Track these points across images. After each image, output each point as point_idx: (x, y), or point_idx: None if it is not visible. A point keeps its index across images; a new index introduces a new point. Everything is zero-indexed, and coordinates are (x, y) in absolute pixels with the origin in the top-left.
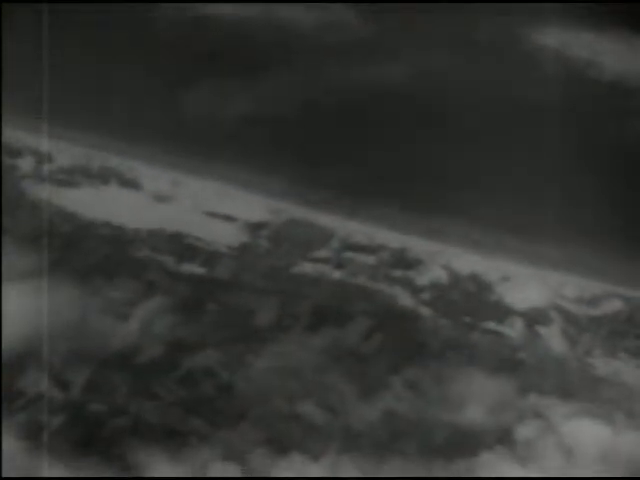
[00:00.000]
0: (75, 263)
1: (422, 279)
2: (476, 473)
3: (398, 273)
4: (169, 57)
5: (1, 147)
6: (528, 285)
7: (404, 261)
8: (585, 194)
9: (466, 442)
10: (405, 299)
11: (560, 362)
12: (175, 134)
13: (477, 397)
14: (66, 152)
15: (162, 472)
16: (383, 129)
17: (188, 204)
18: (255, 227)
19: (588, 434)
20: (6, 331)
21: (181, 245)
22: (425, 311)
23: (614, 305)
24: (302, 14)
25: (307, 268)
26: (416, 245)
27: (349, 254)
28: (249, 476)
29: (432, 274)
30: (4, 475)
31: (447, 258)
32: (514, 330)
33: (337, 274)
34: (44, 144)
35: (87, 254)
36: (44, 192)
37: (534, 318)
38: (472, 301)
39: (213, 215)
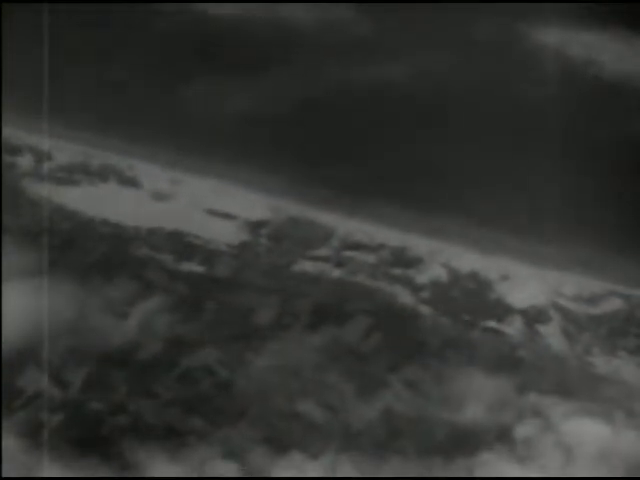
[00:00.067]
0: (74, 261)
1: (422, 278)
2: (475, 472)
3: (398, 272)
4: (169, 56)
5: (1, 145)
6: (528, 284)
7: (404, 260)
8: (584, 193)
9: (465, 441)
10: (405, 297)
11: (560, 360)
12: (175, 132)
13: (477, 396)
14: (66, 150)
15: (161, 470)
16: (383, 128)
17: (187, 202)
18: (255, 225)
19: (588, 433)
20: (6, 329)
21: (180, 243)
22: (425, 309)
23: (614, 304)
24: (302, 13)
25: (307, 266)
26: (416, 244)
27: (349, 253)
28: (249, 475)
29: (432, 273)
30: (4, 475)
31: (447, 257)
32: (514, 328)
33: (337, 272)
34: (44, 142)
35: (86, 252)
36: (44, 190)
37: (534, 316)
38: (472, 300)
39: (213, 213)
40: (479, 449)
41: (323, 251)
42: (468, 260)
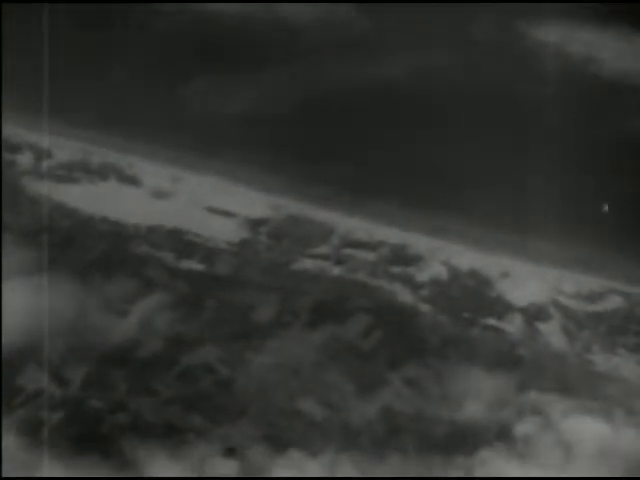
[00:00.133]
0: (74, 259)
1: (422, 275)
2: (475, 470)
3: (398, 269)
4: (169, 54)
5: (1, 143)
6: (528, 281)
7: (404, 257)
8: (584, 191)
9: (465, 439)
10: (405, 295)
11: (559, 358)
12: (175, 130)
13: (476, 393)
14: (65, 148)
15: (161, 468)
16: (383, 126)
17: (188, 200)
18: (255, 223)
19: (587, 430)
20: (6, 327)
21: (180, 241)
22: (425, 307)
23: (613, 301)
24: (303, 12)
25: (307, 264)
26: (416, 242)
27: (349, 250)
28: (248, 475)
29: (432, 270)
30: (4, 475)
31: (447, 255)
32: (514, 326)
33: (337, 270)
34: (44, 140)
35: (86, 250)
36: (44, 188)
37: (533, 314)
38: (472, 297)
39: (213, 211)
40: (479, 447)
41: (323, 249)
42: (468, 258)
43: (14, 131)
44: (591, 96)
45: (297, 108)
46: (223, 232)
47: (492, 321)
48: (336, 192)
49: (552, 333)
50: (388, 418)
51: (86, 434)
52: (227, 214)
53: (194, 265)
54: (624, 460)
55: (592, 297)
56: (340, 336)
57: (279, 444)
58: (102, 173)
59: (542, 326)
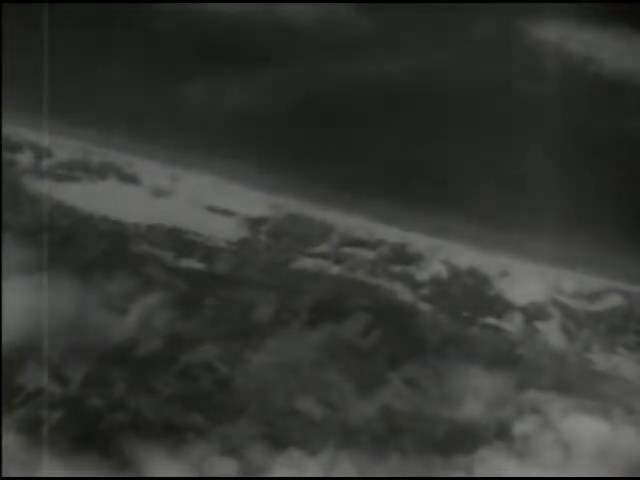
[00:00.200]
0: (74, 258)
1: (421, 274)
2: (475, 469)
3: (397, 268)
4: (168, 52)
5: (1, 142)
6: (527, 280)
7: (404, 256)
8: (584, 190)
9: (464, 437)
10: (404, 294)
11: (559, 357)
12: (174, 129)
13: (475, 392)
14: (65, 147)
15: (160, 466)
16: (382, 125)
17: (187, 199)
18: (255, 222)
19: (586, 430)
20: (6, 326)
21: (180, 240)
22: (424, 306)
23: (613, 300)
24: (302, 10)
25: (306, 263)
26: (416, 241)
27: (348, 249)
28: (247, 474)
29: (432, 270)
30: (4, 475)
31: (447, 254)
32: (513, 325)
33: (336, 269)
34: (43, 139)
35: (86, 249)
36: (43, 187)
37: (533, 313)
38: (471, 296)
39: (212, 210)
40: (478, 446)
41: (322, 248)
42: (468, 257)
43: (14, 130)
44: (591, 95)
45: (297, 107)
46: (222, 231)
47: (491, 320)
48: (335, 191)
49: (551, 332)
50: (387, 417)
51: (86, 432)
52: (227, 213)
53: (193, 264)
54: (623, 459)
55: (592, 296)
56: (339, 335)
57: (278, 443)
58: (102, 172)
59: (541, 325)
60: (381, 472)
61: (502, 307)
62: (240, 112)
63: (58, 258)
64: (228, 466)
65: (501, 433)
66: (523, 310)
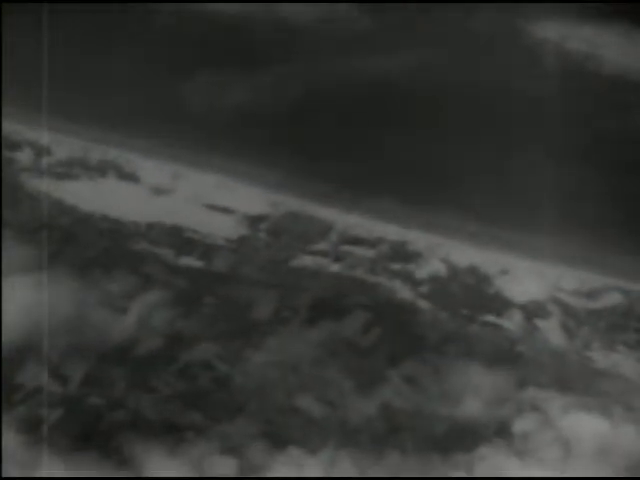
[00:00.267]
0: (73, 256)
1: (421, 272)
2: (475, 466)
3: (397, 266)
4: (168, 49)
5: (1, 140)
6: (527, 278)
7: (403, 254)
8: (584, 187)
9: (464, 435)
10: (404, 292)
11: (559, 355)
12: (174, 127)
13: (475, 390)
14: (65, 145)
15: (160, 465)
16: (382, 123)
17: (187, 197)
18: (254, 220)
19: (586, 427)
20: (5, 325)
21: (180, 238)
22: (424, 304)
23: (613, 298)
24: (303, 12)
25: (306, 261)
26: (415, 238)
27: (348, 247)
28: (247, 472)
29: (431, 267)
30: (4, 475)
31: (446, 251)
32: (513, 323)
33: (336, 267)
34: (43, 137)
35: (85, 247)
36: (43, 185)
37: (533, 311)
38: (471, 294)
39: (212, 208)
40: (478, 444)
41: (322, 246)
42: (467, 255)
43: (14, 128)
44: (592, 93)
45: (297, 105)
46: (222, 229)
47: (491, 318)
48: (335, 189)
49: (551, 330)
50: (387, 415)
51: (85, 431)
52: (226, 211)
53: (193, 262)
54: (623, 457)
55: (592, 294)
56: (339, 333)
57: (278, 441)
58: (101, 170)
59: (541, 323)
60: (381, 470)
61: (502, 305)
62: (240, 109)
63: (58, 256)
64: (228, 465)
65: (501, 431)
66: (523, 308)
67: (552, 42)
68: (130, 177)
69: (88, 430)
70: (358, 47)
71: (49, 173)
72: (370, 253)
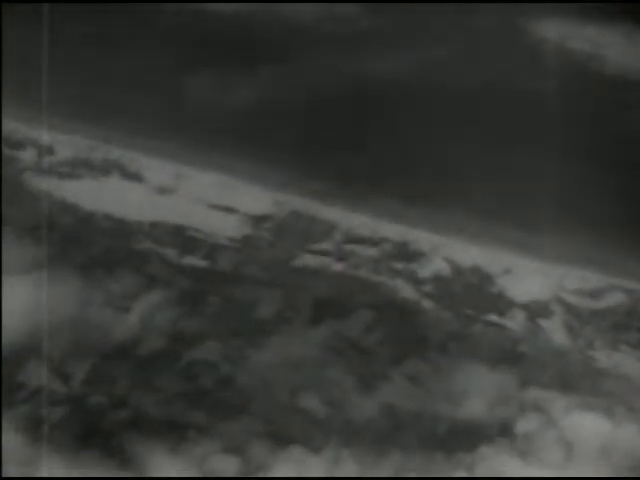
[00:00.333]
0: (76, 256)
1: (424, 272)
2: (477, 466)
3: (400, 266)
4: (171, 48)
5: (1, 139)
6: (530, 278)
7: (406, 254)
8: (587, 187)
9: (467, 435)
10: (407, 291)
11: (561, 355)
12: (177, 126)
13: (478, 390)
14: (68, 144)
15: (162, 464)
16: (385, 122)
17: (190, 196)
18: (258, 219)
19: (588, 427)
20: (6, 324)
21: (183, 238)
22: (427, 304)
23: (616, 298)
24: (304, 7)
25: (309, 260)
26: (418, 238)
27: (351, 246)
28: (249, 471)
29: (434, 267)
30: (4, 475)
31: (449, 251)
32: (516, 323)
33: (339, 267)
34: (46, 137)
35: (88, 246)
36: (46, 184)
37: (536, 311)
38: (474, 294)
39: (216, 207)
40: (480, 443)
41: (325, 245)
42: (470, 254)
43: (16, 127)
44: (594, 92)
45: (301, 104)
46: (226, 228)
47: (494, 317)
48: (339, 188)
49: (554, 330)
50: (390, 414)
51: (88, 430)
52: (230, 210)
53: (196, 261)
54: (626, 457)
55: (594, 293)
56: (342, 332)
57: (281, 440)
58: (105, 169)
59: (544, 322)
60: (383, 468)
61: (505, 304)
62: (244, 109)
63: (60, 255)
64: (230, 463)
65: (503, 431)
66: (526, 307)
67: (553, 41)
68: (134, 176)
69: (90, 428)
70: (359, 43)
71: (52, 172)
72: (374, 252)
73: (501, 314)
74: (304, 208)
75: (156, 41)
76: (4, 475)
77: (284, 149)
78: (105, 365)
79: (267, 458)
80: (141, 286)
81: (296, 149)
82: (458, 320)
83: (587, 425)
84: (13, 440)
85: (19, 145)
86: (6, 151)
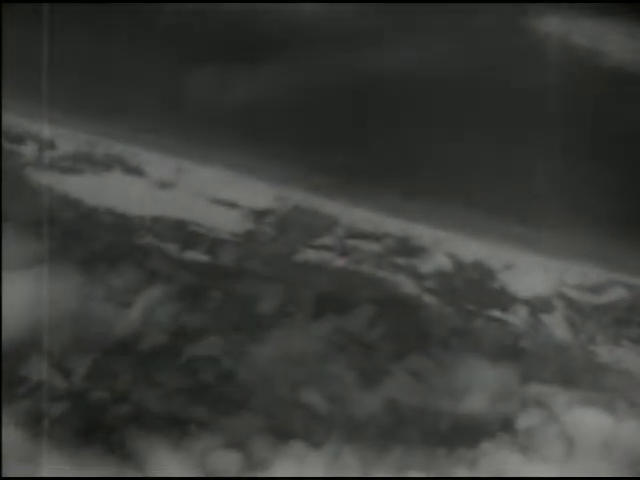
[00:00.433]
0: (77, 250)
1: (426, 267)
2: (479, 461)
3: (402, 261)
4: (172, 43)
5: (1, 134)
6: (532, 273)
7: (408, 249)
8: (588, 181)
9: (468, 430)
10: (409, 287)
11: (563, 350)
12: (179, 121)
13: (480, 385)
14: (69, 139)
15: (163, 460)
16: (388, 118)
17: (192, 191)
18: (259, 214)
19: (590, 423)
20: (7, 319)
21: (185, 232)
22: (429, 299)
23: (618, 293)
24: (304, 11)
25: (311, 255)
26: (421, 233)
27: (353, 241)
28: (251, 466)
29: (436, 262)
30: (4, 475)
31: (451, 246)
32: (518, 318)
33: (341, 262)
34: (46, 131)
35: (89, 241)
36: (47, 179)
37: (537, 306)
38: (476, 289)
39: (217, 202)
40: (482, 439)
41: (327, 240)
42: (472, 249)
43: (18, 122)
44: (594, 86)
45: (302, 99)
46: (227, 223)
47: (496, 313)
48: (341, 183)
49: (556, 325)
50: (392, 410)
51: (89, 425)
52: (231, 205)
53: (198, 256)
54: (627, 453)
55: (596, 289)
56: (344, 327)
57: (282, 435)
58: (106, 164)
59: (546, 318)
60: (385, 464)
61: (507, 300)
62: (245, 103)
63: (61, 251)
64: (231, 458)
65: (505, 425)
66: (527, 303)
67: (555, 36)
68: (135, 171)
69: (91, 424)
70: (359, 39)
71: (53, 167)
72: (376, 247)
73: (503, 309)
74: (306, 203)
75: (156, 40)
76: (4, 475)
77: (286, 144)
78: (106, 360)
79: (268, 453)
80: (142, 281)
81: (297, 144)
82: (460, 315)
83: (589, 420)
84: (13, 435)
85: (20, 139)
86: (6, 145)
